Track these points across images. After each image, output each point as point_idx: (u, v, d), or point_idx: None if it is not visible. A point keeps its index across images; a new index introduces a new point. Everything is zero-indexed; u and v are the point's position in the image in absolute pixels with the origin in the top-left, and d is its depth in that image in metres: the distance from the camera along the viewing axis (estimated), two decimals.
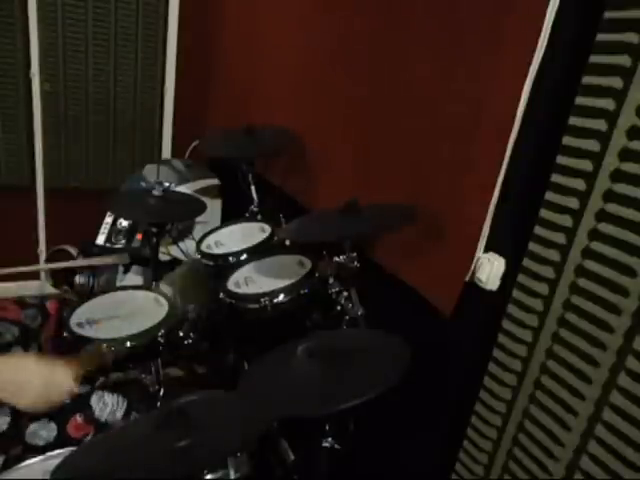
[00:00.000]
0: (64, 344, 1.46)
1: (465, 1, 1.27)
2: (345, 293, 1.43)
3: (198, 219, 2.17)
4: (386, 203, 1.42)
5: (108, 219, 2.35)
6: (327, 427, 1.09)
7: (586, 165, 1.00)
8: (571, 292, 1.04)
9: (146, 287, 1.74)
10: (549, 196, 1.07)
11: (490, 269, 1.21)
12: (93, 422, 1.24)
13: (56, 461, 0.91)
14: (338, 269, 1.47)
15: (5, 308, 1.44)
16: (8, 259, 2.10)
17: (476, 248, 1.24)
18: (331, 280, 1.47)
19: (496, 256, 1.22)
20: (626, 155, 0.93)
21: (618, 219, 0.95)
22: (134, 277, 2.29)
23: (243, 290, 1.49)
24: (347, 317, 1.40)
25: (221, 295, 1.47)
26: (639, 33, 0.91)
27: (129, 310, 1.51)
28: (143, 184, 2.40)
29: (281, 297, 1.39)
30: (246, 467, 1.16)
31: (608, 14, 0.96)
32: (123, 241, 2.29)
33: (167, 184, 2.32)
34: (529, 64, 1.09)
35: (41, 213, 2.77)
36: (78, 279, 2.33)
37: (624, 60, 0.93)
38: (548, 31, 1.06)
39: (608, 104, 0.96)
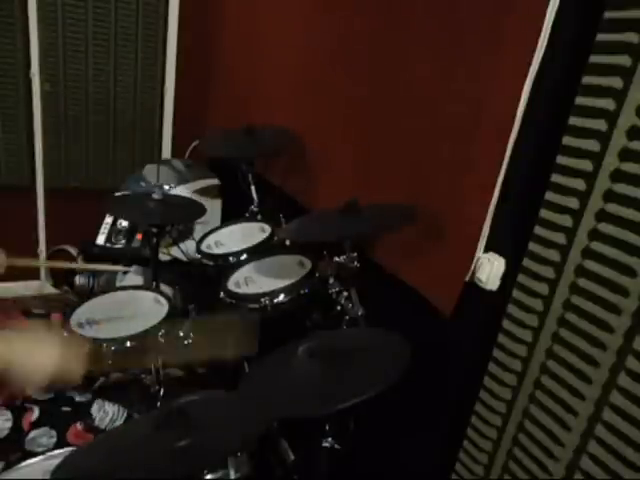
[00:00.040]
0: None
1: (465, 1, 1.27)
2: (345, 293, 1.43)
3: (198, 219, 2.17)
4: (386, 203, 1.42)
5: (108, 219, 2.35)
6: (327, 427, 1.09)
7: (586, 165, 1.00)
8: (571, 292, 1.04)
9: (146, 287, 1.74)
10: (549, 196, 1.07)
11: (490, 269, 1.21)
12: (93, 430, 1.24)
13: (56, 461, 0.91)
14: (338, 269, 1.47)
15: (11, 317, 1.44)
16: (8, 259, 2.10)
17: (476, 248, 1.24)
18: (331, 280, 1.47)
19: (496, 256, 1.22)
20: (626, 155, 0.93)
21: (618, 219, 0.95)
22: (134, 277, 2.29)
23: (243, 290, 1.50)
24: (347, 317, 1.40)
25: (221, 295, 1.47)
26: (639, 33, 0.91)
27: (129, 310, 1.51)
28: (143, 184, 2.40)
29: (281, 297, 1.39)
30: (246, 467, 1.16)
31: (608, 14, 0.96)
32: (123, 241, 2.29)
33: (167, 186, 2.33)
34: (529, 64, 1.09)
35: (41, 213, 2.77)
36: (78, 279, 2.33)
37: (624, 60, 0.93)
38: (548, 31, 1.06)
39: (608, 104, 0.96)
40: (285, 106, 2.07)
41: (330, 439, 1.09)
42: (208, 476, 1.11)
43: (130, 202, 1.96)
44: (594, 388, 1.00)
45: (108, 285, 2.29)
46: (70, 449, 1.07)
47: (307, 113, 1.92)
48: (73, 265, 2.37)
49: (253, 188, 1.96)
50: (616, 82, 0.94)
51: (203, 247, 1.75)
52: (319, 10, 1.84)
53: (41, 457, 1.09)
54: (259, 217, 1.93)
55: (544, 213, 1.08)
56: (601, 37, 0.97)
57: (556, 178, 1.06)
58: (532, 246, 1.11)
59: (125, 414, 1.32)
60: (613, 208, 0.96)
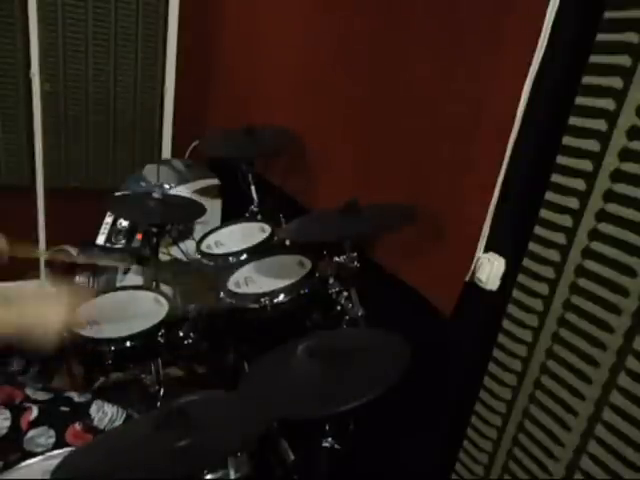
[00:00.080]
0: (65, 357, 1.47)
1: (465, 1, 1.27)
2: (345, 293, 1.43)
3: (198, 219, 2.17)
4: (386, 203, 1.42)
5: (108, 219, 2.35)
6: (327, 427, 1.09)
7: (586, 165, 1.00)
8: (571, 292, 1.04)
9: (146, 287, 1.74)
10: (549, 196, 1.07)
11: (490, 269, 1.21)
12: (92, 431, 1.24)
13: (56, 461, 0.91)
14: (338, 269, 1.47)
15: None
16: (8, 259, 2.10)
17: (476, 248, 1.24)
18: (331, 280, 1.47)
19: (496, 256, 1.22)
20: (626, 155, 0.93)
21: (618, 219, 0.95)
22: (134, 277, 2.29)
23: (243, 290, 1.50)
24: (347, 317, 1.40)
25: (221, 295, 1.47)
26: (639, 33, 0.91)
27: (129, 310, 1.51)
28: (143, 184, 2.40)
29: (281, 297, 1.39)
30: (246, 467, 1.16)
31: (608, 14, 0.96)
32: (123, 241, 2.29)
33: (167, 186, 2.32)
34: (529, 64, 1.09)
35: (41, 213, 2.77)
36: (78, 279, 2.33)
37: (624, 60, 0.93)
38: (548, 31, 1.06)
39: (608, 104, 0.96)
40: (285, 106, 2.07)
41: (330, 439, 1.09)
42: (208, 476, 1.11)
43: (130, 201, 1.96)
44: (594, 388, 1.00)
45: (108, 285, 2.29)
46: (70, 449, 1.07)
47: (307, 113, 1.92)
48: (73, 258, 2.36)
49: (253, 188, 1.96)
50: (616, 82, 0.94)
51: (203, 247, 1.75)
52: (319, 10, 1.84)
53: (41, 457, 1.09)
54: (259, 217, 1.93)
55: (544, 213, 1.08)
56: (601, 37, 0.97)
57: (556, 178, 1.06)
58: (532, 246, 1.11)
59: (124, 415, 1.32)
60: (613, 208, 0.96)
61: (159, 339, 1.42)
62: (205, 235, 1.84)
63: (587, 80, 1.00)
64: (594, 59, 0.98)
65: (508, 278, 1.20)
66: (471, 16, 1.25)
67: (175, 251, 2.24)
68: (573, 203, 1.03)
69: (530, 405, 1.14)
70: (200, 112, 2.77)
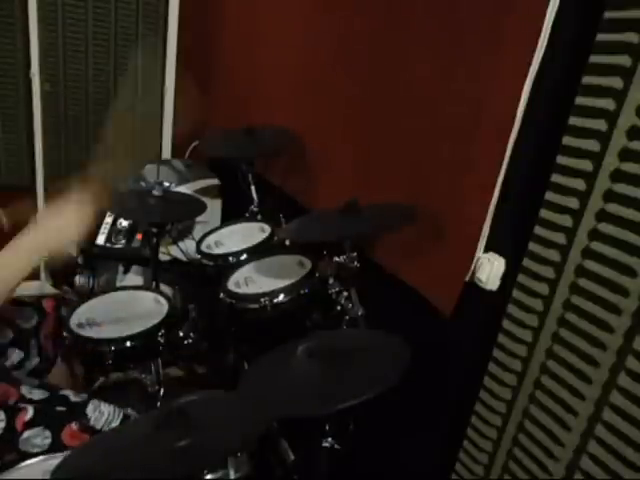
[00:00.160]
0: (64, 342, 1.46)
1: (465, 1, 1.27)
2: (345, 293, 1.43)
3: (198, 219, 2.17)
4: (386, 203, 1.42)
5: (108, 219, 2.35)
6: (327, 427, 1.09)
7: (586, 165, 1.00)
8: (571, 292, 1.04)
9: (146, 287, 1.74)
10: (549, 196, 1.07)
11: (490, 269, 1.21)
12: (88, 430, 1.23)
13: (56, 461, 0.91)
14: (338, 269, 1.47)
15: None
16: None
17: (476, 248, 1.24)
18: (331, 280, 1.47)
19: (496, 256, 1.22)
20: (626, 155, 0.93)
21: (618, 219, 0.95)
22: (134, 277, 2.29)
23: (243, 290, 1.50)
24: (347, 317, 1.40)
25: (221, 295, 1.47)
26: (639, 33, 0.91)
27: (129, 310, 1.51)
28: (143, 184, 2.40)
29: (281, 297, 1.39)
30: (246, 467, 1.16)
31: (608, 14, 0.96)
32: (123, 241, 2.29)
33: (167, 184, 2.33)
34: (529, 64, 1.08)
35: None
36: (78, 279, 2.33)
37: (624, 60, 0.93)
38: (548, 31, 1.06)
39: (608, 104, 0.96)
40: (285, 106, 2.07)
41: (330, 439, 1.09)
42: (208, 476, 1.10)
43: (130, 200, 1.96)
44: (594, 388, 1.00)
45: (108, 285, 2.29)
46: (70, 450, 1.07)
47: (307, 113, 1.92)
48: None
49: (253, 188, 1.96)
50: (616, 82, 0.94)
51: (203, 247, 1.76)
52: (319, 10, 1.84)
53: (41, 457, 1.09)
54: (259, 217, 1.93)
55: (544, 213, 1.08)
56: (601, 37, 0.97)
57: (556, 178, 1.06)
58: (532, 246, 1.11)
59: (121, 414, 1.31)
60: (613, 208, 0.96)
61: (159, 339, 1.42)
62: (205, 235, 1.84)
63: (587, 80, 1.00)
64: (594, 59, 0.98)
65: (508, 278, 1.20)
66: (471, 16, 1.25)
67: (175, 251, 2.25)
68: (573, 203, 1.03)
69: (530, 405, 1.14)
70: (200, 112, 2.77)
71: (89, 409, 1.27)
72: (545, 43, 1.07)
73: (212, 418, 0.95)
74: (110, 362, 1.36)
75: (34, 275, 2.78)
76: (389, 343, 1.02)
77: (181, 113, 2.71)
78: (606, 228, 0.97)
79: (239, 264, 1.62)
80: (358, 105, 1.65)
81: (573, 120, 1.02)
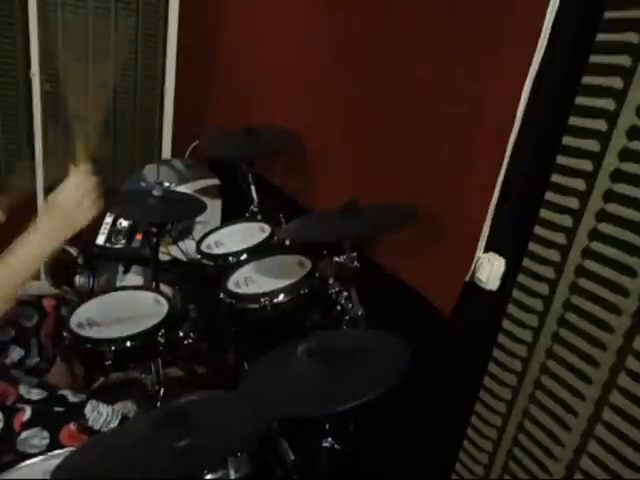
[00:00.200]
0: (64, 342, 1.46)
1: (465, 1, 1.27)
2: (345, 293, 1.43)
3: (198, 219, 2.17)
4: (386, 203, 1.42)
5: (108, 219, 2.35)
6: (327, 427, 1.09)
7: (586, 165, 1.00)
8: (571, 292, 1.04)
9: (146, 287, 1.74)
10: (549, 196, 1.07)
11: (490, 269, 1.21)
12: (87, 431, 1.23)
13: (56, 461, 0.91)
14: (338, 269, 1.47)
15: None
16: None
17: (476, 248, 1.24)
18: (331, 280, 1.47)
19: (496, 256, 1.22)
20: (626, 155, 0.93)
21: (618, 219, 0.95)
22: (134, 277, 2.29)
23: (243, 290, 1.50)
24: (347, 317, 1.40)
25: (221, 295, 1.47)
26: (639, 33, 0.91)
27: (129, 310, 1.51)
28: (143, 184, 2.40)
29: (281, 297, 1.39)
30: (246, 467, 1.16)
31: (608, 14, 0.96)
32: (123, 241, 2.29)
33: (167, 184, 2.32)
34: (529, 64, 1.08)
35: None
36: (78, 279, 2.33)
37: (624, 60, 0.93)
38: (548, 31, 1.06)
39: (608, 104, 0.96)
40: (285, 106, 2.06)
41: (330, 439, 1.09)
42: (208, 476, 1.11)
43: (130, 200, 1.96)
44: (594, 388, 1.00)
45: (108, 285, 2.29)
46: (70, 449, 1.07)
47: (307, 113, 1.92)
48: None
49: (253, 188, 1.96)
50: (616, 82, 0.94)
51: (203, 247, 1.75)
52: (319, 10, 1.84)
53: (41, 457, 1.08)
54: (259, 217, 1.93)
55: (544, 213, 1.08)
56: (601, 37, 0.97)
57: (556, 178, 1.06)
58: (532, 246, 1.11)
59: (120, 415, 1.31)
60: (613, 208, 0.96)
61: (159, 339, 1.42)
62: (205, 235, 1.84)
63: (587, 80, 1.00)
64: (594, 59, 0.98)
65: (508, 278, 1.20)
66: (471, 16, 1.25)
67: (175, 251, 2.25)
68: (573, 203, 1.03)
69: (530, 405, 1.14)
70: (200, 112, 2.77)
71: (87, 409, 1.26)
72: (545, 43, 1.07)
73: (212, 418, 0.95)
74: (110, 362, 1.36)
75: (34, 275, 2.77)
76: (389, 343, 1.02)
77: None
78: (606, 228, 0.97)
79: (239, 264, 1.62)
80: (358, 105, 1.65)
81: (573, 120, 1.02)
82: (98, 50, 2.61)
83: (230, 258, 1.66)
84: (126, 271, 2.30)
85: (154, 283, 1.79)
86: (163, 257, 2.15)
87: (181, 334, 1.72)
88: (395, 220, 1.34)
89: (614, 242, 0.96)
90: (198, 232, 2.16)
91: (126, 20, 2.61)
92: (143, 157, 2.85)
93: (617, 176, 0.95)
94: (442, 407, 1.43)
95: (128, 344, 1.37)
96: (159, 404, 1.50)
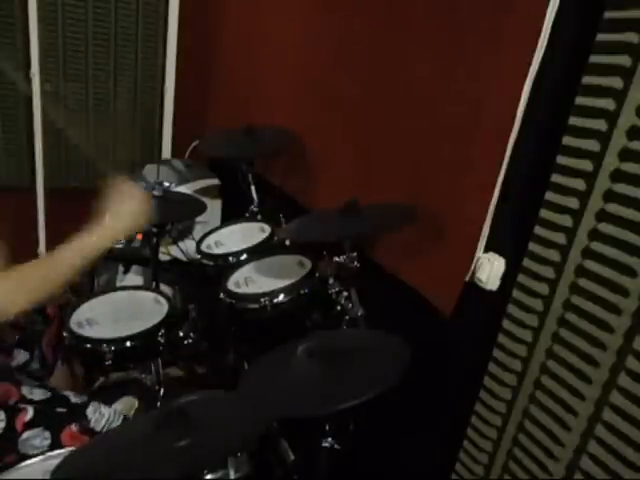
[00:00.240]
0: (65, 350, 1.47)
1: (465, 1, 1.27)
2: (345, 293, 1.43)
3: (198, 219, 2.17)
4: (386, 203, 1.42)
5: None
6: (327, 427, 1.09)
7: (586, 165, 1.00)
8: (571, 292, 1.04)
9: (146, 287, 1.74)
10: (549, 196, 1.07)
11: (490, 269, 1.21)
12: (88, 432, 1.23)
13: (56, 461, 0.91)
14: (338, 269, 1.47)
15: None
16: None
17: (476, 248, 1.24)
18: (331, 280, 1.47)
19: (496, 256, 1.22)
20: (626, 155, 0.93)
21: (618, 219, 0.95)
22: (134, 277, 2.29)
23: (243, 290, 1.50)
24: (347, 317, 1.40)
25: (221, 295, 1.47)
26: (639, 33, 0.91)
27: (129, 310, 1.51)
28: (143, 184, 2.40)
29: (281, 297, 1.39)
30: (246, 467, 1.16)
31: (608, 14, 0.96)
32: (123, 241, 2.29)
33: (167, 184, 2.32)
34: (529, 64, 1.09)
35: (41, 213, 2.76)
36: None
37: (624, 60, 0.93)
38: (548, 31, 1.06)
39: (608, 104, 0.96)
40: (285, 106, 2.07)
41: (330, 439, 1.09)
42: (208, 476, 1.11)
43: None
44: (594, 388, 1.00)
45: (108, 285, 2.29)
46: (70, 449, 1.07)
47: (307, 113, 1.92)
48: None
49: (253, 188, 1.96)
50: (616, 82, 0.94)
51: (203, 247, 1.76)
52: (319, 10, 1.84)
53: (41, 457, 1.08)
54: (259, 217, 1.93)
55: (544, 213, 1.08)
56: (601, 37, 0.97)
57: (556, 178, 1.06)
58: (532, 246, 1.11)
59: (121, 417, 1.31)
60: (613, 208, 0.96)
61: (159, 339, 1.42)
62: (205, 235, 1.84)
63: (587, 80, 1.00)
64: (594, 59, 0.98)
65: (508, 278, 1.20)
66: (471, 16, 1.25)
67: (175, 251, 2.25)
68: (573, 203, 1.03)
69: (530, 405, 1.14)
70: (200, 112, 2.77)
71: (89, 410, 1.27)
72: (545, 43, 1.07)
73: (212, 418, 0.95)
74: (110, 362, 1.36)
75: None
76: (389, 343, 1.03)
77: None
78: (606, 228, 0.97)
79: (239, 264, 1.62)
80: (358, 105, 1.65)
81: (573, 120, 1.02)
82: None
83: (230, 258, 1.66)
84: (126, 271, 2.30)
85: (154, 283, 1.79)
86: (163, 257, 2.15)
87: (181, 334, 1.73)
88: (395, 220, 1.34)
89: (614, 242, 0.96)
90: (198, 232, 2.16)
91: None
92: (143, 157, 2.85)
93: (617, 176, 0.95)
94: (442, 407, 1.43)
95: (128, 344, 1.37)
96: (159, 404, 1.50)
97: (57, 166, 2.73)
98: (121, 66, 2.70)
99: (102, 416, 1.27)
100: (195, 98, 2.79)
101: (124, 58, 2.69)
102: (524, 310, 1.14)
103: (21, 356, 1.45)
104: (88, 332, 1.40)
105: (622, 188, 0.94)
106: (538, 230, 1.10)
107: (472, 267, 1.25)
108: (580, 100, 1.01)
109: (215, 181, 2.51)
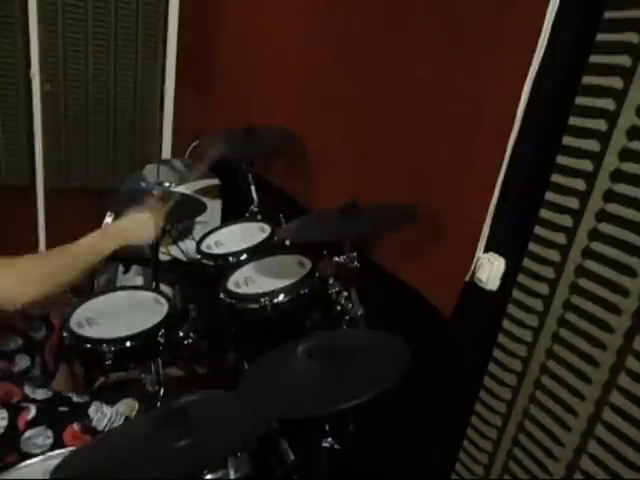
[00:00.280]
0: (65, 352, 1.47)
1: (465, 1, 1.27)
2: (345, 293, 1.43)
3: (198, 219, 2.17)
4: (386, 203, 1.42)
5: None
6: (327, 427, 1.09)
7: (586, 165, 1.00)
8: (571, 292, 1.04)
9: (146, 287, 1.74)
10: (549, 196, 1.07)
11: (490, 269, 1.21)
12: (90, 431, 1.23)
13: (56, 461, 0.91)
14: (338, 269, 1.47)
15: (12, 318, 1.44)
16: None
17: (476, 248, 1.24)
18: (331, 280, 1.47)
19: (496, 256, 1.22)
20: (626, 155, 0.93)
21: (618, 219, 0.95)
22: (134, 277, 2.29)
23: (243, 290, 1.50)
24: (347, 317, 1.40)
25: (221, 295, 1.47)
26: (639, 33, 0.91)
27: (129, 310, 1.51)
28: (143, 184, 2.40)
29: (281, 297, 1.39)
30: (246, 467, 1.16)
31: (608, 14, 0.96)
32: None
33: (167, 184, 2.33)
34: (529, 64, 1.09)
35: (41, 213, 2.77)
36: None
37: (624, 60, 0.93)
38: (548, 31, 1.06)
39: (608, 104, 0.96)
40: (285, 106, 2.06)
41: (330, 439, 1.09)
42: (208, 476, 1.11)
43: (130, 200, 1.95)
44: (594, 388, 1.00)
45: (108, 285, 2.29)
46: (70, 449, 1.07)
47: (307, 113, 1.92)
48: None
49: (253, 188, 1.96)
50: (616, 82, 0.94)
51: (203, 247, 1.75)
52: (319, 10, 1.84)
53: (41, 457, 1.09)
54: (259, 217, 1.93)
55: (544, 213, 1.08)
56: (601, 37, 0.97)
57: (556, 178, 1.06)
58: (532, 246, 1.11)
59: (123, 417, 1.31)
60: (613, 208, 0.96)
61: (159, 339, 1.42)
62: (205, 235, 1.84)
63: (587, 80, 1.00)
64: (594, 59, 0.98)
65: (508, 278, 1.20)
66: (471, 16, 1.25)
67: (175, 251, 2.24)
68: (573, 203, 1.03)
69: (530, 405, 1.13)
70: (200, 112, 2.77)
71: (91, 410, 1.27)
72: (545, 43, 1.07)
73: (212, 418, 0.95)
74: (110, 362, 1.36)
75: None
76: (389, 343, 1.03)
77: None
78: (606, 228, 0.97)
79: (239, 264, 1.62)
80: (358, 105, 1.65)
81: (573, 120, 1.02)
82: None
83: (230, 258, 1.66)
84: (126, 271, 2.30)
85: (154, 283, 1.78)
86: (163, 257, 2.15)
87: (181, 334, 1.72)
88: (395, 220, 1.34)
89: (614, 242, 0.96)
90: (198, 232, 2.16)
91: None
92: (143, 157, 2.85)
93: (617, 176, 0.95)
94: (442, 407, 1.43)
95: (128, 344, 1.37)
96: (159, 404, 1.50)
97: (57, 166, 2.74)
98: (121, 66, 2.70)
99: (104, 415, 1.27)
100: (195, 98, 2.79)
101: (124, 58, 2.69)
102: (524, 310, 1.14)
103: (23, 362, 1.46)
104: (88, 332, 1.40)
105: (622, 188, 0.94)
106: (538, 230, 1.10)
107: (472, 267, 1.25)
108: (580, 100, 1.01)
109: (215, 181, 2.51)
